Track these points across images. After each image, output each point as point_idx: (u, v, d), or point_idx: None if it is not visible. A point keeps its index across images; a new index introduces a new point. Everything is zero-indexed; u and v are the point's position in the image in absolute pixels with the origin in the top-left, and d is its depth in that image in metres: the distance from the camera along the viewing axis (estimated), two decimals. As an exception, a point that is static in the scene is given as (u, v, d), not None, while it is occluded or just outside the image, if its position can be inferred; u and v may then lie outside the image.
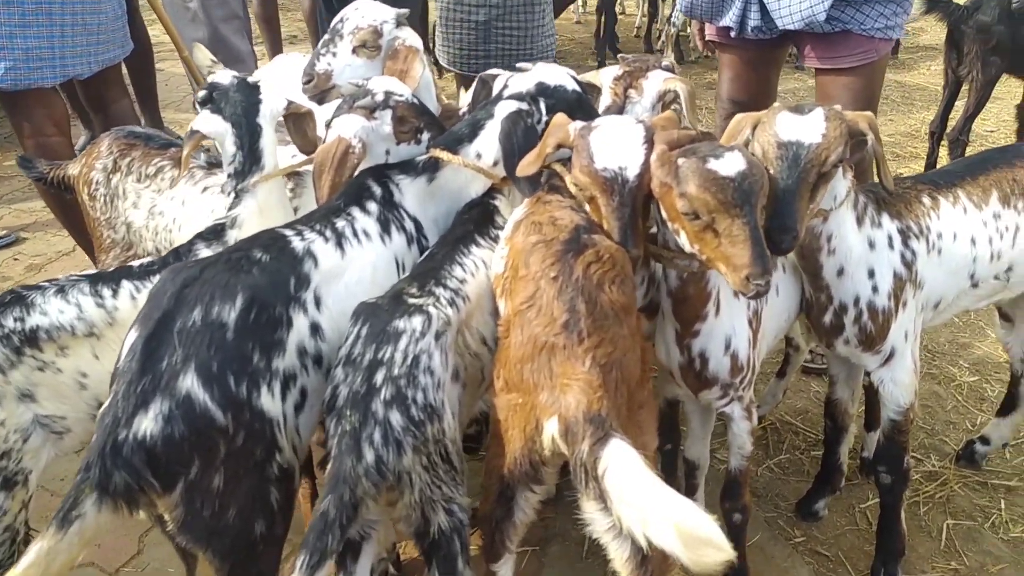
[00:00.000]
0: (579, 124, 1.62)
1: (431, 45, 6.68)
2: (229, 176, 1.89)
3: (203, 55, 3.06)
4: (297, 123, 1.96)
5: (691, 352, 1.77)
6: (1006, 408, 2.58)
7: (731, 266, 1.43)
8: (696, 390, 1.85)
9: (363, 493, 1.31)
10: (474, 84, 2.08)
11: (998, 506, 2.51)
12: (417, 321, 1.45)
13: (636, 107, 2.18)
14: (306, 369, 1.51)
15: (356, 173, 1.83)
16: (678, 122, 1.66)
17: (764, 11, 2.56)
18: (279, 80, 2.73)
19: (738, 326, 1.76)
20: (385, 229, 1.76)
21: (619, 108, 2.18)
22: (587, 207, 1.60)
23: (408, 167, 1.88)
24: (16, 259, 3.97)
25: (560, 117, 1.70)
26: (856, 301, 1.89)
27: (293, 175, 2.09)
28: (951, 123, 4.60)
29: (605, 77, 2.25)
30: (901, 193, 1.96)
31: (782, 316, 2.00)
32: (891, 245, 1.90)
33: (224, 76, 1.92)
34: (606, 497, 1.18)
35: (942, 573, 2.28)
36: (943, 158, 4.65)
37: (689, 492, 2.18)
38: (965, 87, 4.40)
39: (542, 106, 1.83)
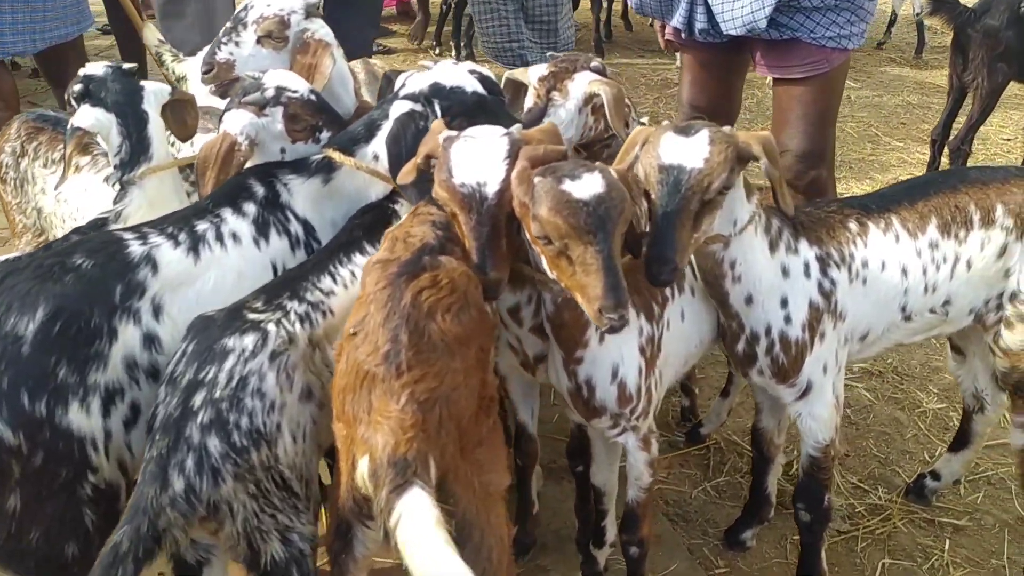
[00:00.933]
0: (449, 134, 1.50)
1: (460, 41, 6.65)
2: (115, 168, 1.82)
3: (151, 35, 3.00)
4: (176, 110, 1.87)
5: (577, 379, 1.66)
6: (958, 444, 2.43)
7: (584, 297, 1.32)
8: (587, 418, 1.74)
9: (167, 524, 1.23)
10: (381, 81, 1.97)
11: (941, 546, 2.37)
12: (249, 339, 1.36)
13: (560, 110, 2.06)
14: (137, 383, 1.43)
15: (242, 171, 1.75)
16: (558, 135, 1.54)
17: (711, 14, 2.41)
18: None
19: (626, 354, 1.64)
20: (262, 232, 1.68)
21: (541, 110, 2.06)
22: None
23: (300, 167, 1.79)
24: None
25: (437, 124, 1.59)
26: (768, 331, 1.76)
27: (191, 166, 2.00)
28: (955, 130, 4.38)
29: (532, 74, 2.13)
30: (824, 217, 1.81)
31: (691, 341, 1.88)
32: (807, 273, 1.76)
33: (97, 67, 1.83)
34: (400, 550, 1.09)
35: (867, 616, 2.16)
36: (945, 166, 4.44)
37: (598, 518, 2.08)
38: (970, 94, 4.17)
39: (436, 108, 1.72)
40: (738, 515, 2.39)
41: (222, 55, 2.00)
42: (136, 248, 1.51)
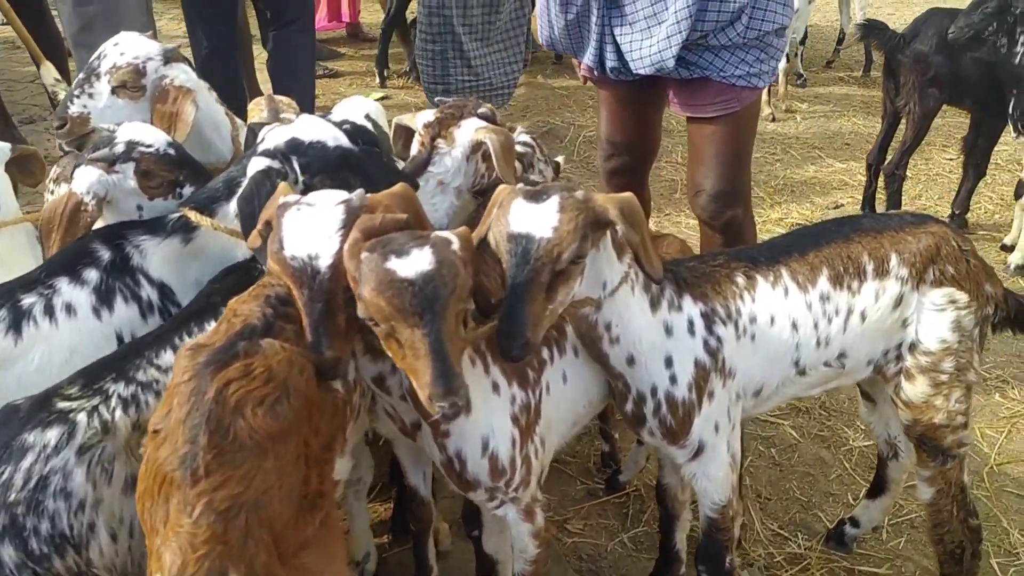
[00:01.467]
0: (287, 200, 1.41)
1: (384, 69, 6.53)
2: None
3: (48, 73, 2.88)
4: (21, 164, 1.77)
5: (447, 452, 1.56)
6: (876, 491, 2.37)
7: (416, 382, 1.22)
8: (463, 490, 1.64)
9: None
10: (246, 134, 1.87)
11: (859, 599, 2.31)
12: (52, 434, 1.26)
13: (445, 158, 1.98)
14: None
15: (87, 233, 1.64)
16: (410, 198, 1.45)
17: (620, 53, 2.35)
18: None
19: (497, 425, 1.55)
20: (104, 301, 1.57)
21: (425, 159, 1.98)
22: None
23: (155, 227, 1.68)
24: None
25: (282, 188, 1.49)
26: (654, 391, 1.68)
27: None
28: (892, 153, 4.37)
29: (419, 120, 2.05)
30: (710, 272, 1.74)
31: (578, 403, 1.79)
32: (691, 331, 1.68)
33: None
34: None
35: (779, 676, 2.08)
36: (881, 191, 4.43)
37: (492, 585, 1.98)
38: (903, 119, 4.16)
39: (295, 164, 1.63)
40: (652, 567, 2.30)
41: (75, 108, 1.90)
42: None
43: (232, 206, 1.67)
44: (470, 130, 1.95)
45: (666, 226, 4.53)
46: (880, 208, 4.49)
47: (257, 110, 2.80)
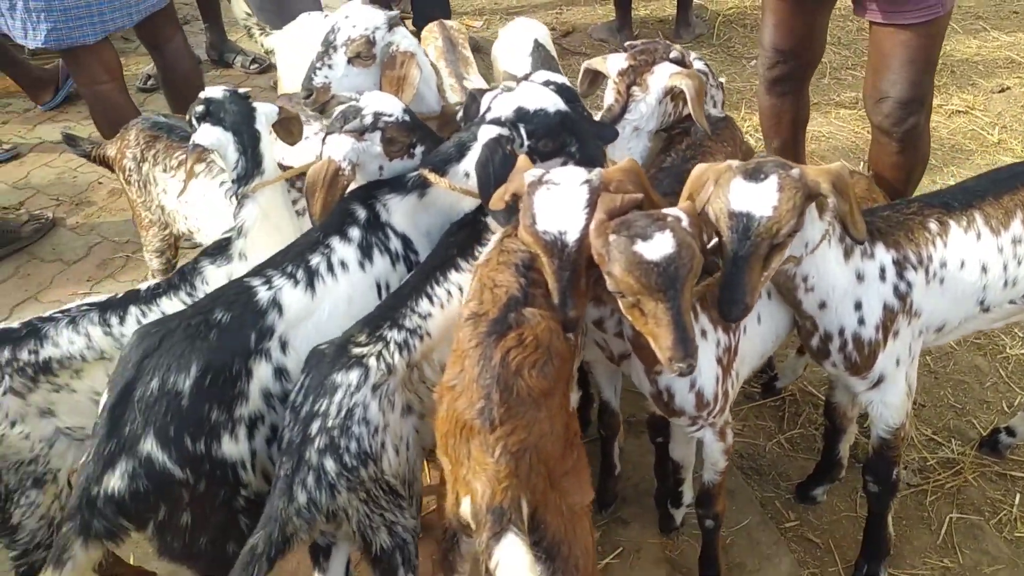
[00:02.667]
0: (532, 175, 1.60)
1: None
2: (233, 182, 1.99)
3: (239, 7, 3.10)
4: (284, 125, 2.02)
5: (658, 385, 1.80)
6: (1036, 404, 2.48)
7: (656, 346, 1.44)
8: (667, 416, 1.89)
9: (294, 530, 1.49)
10: (466, 100, 2.04)
11: (1011, 501, 2.47)
12: (354, 375, 1.56)
13: (640, 104, 2.11)
14: (273, 408, 1.67)
15: (347, 192, 1.90)
16: (636, 172, 1.61)
17: None
18: (300, 41, 2.77)
19: (704, 366, 1.76)
20: (366, 254, 1.84)
21: (622, 106, 2.10)
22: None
23: (398, 185, 1.91)
24: (100, 183, 4.26)
25: (522, 162, 1.68)
26: (841, 332, 1.85)
27: (300, 177, 2.16)
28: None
29: (612, 67, 2.16)
30: (903, 220, 1.84)
31: (768, 339, 1.98)
32: (883, 277, 1.82)
33: (216, 91, 1.98)
34: None
35: (932, 570, 2.31)
36: None
37: (676, 484, 2.27)
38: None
39: (522, 131, 1.81)
40: (810, 468, 2.53)
41: (318, 80, 2.13)
42: (263, 294, 1.71)
43: (462, 166, 1.88)
44: (664, 76, 2.05)
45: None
46: (1051, 94, 4.25)
47: (432, 37, 2.95)
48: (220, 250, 1.97)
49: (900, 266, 1.82)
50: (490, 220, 1.90)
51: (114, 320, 1.81)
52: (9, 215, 3.89)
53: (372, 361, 1.60)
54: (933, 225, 1.85)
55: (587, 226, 1.52)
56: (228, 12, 5.60)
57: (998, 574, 2.29)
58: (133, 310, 1.84)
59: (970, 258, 1.86)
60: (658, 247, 1.42)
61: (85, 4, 2.89)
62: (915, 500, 2.50)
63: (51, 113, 4.90)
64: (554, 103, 1.82)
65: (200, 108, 1.95)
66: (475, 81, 2.76)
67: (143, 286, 1.92)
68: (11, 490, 1.78)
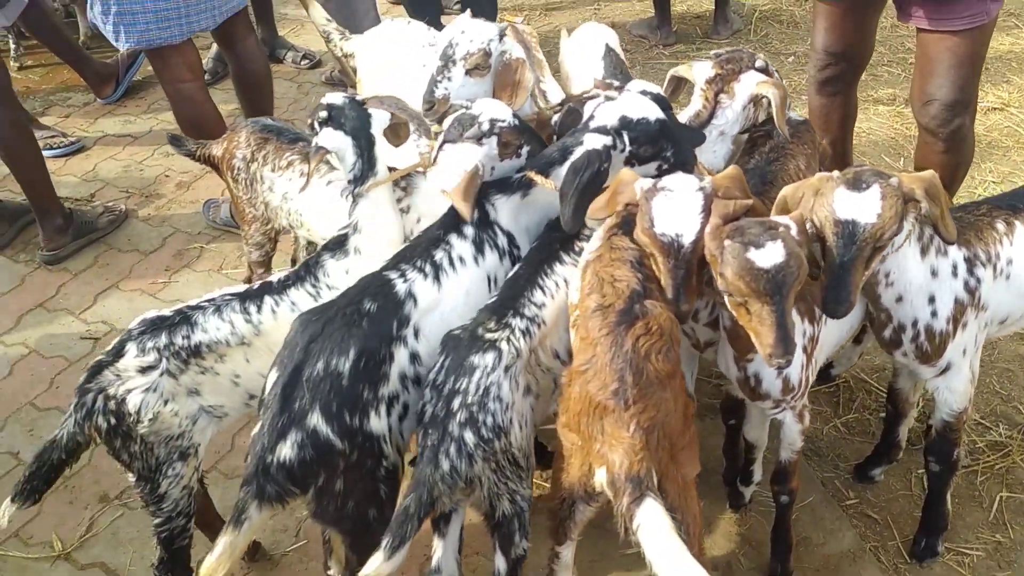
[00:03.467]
0: (645, 184, 1.77)
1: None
2: (349, 182, 2.15)
3: (319, 13, 3.27)
4: (395, 130, 2.19)
5: (747, 372, 1.97)
6: (1082, 390, 2.64)
7: (758, 342, 1.61)
8: (752, 399, 2.06)
9: (439, 494, 1.68)
10: (562, 112, 2.21)
11: (1058, 482, 2.64)
12: (489, 357, 1.75)
13: (727, 111, 2.27)
14: (407, 389, 1.86)
15: None
16: (741, 179, 1.78)
17: None
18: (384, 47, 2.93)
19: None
20: (479, 250, 2.01)
21: (710, 113, 2.26)
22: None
23: (504, 186, 2.08)
24: (167, 176, 4.44)
25: (627, 174, 1.85)
26: (915, 323, 2.01)
27: (404, 177, 2.33)
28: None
29: (698, 75, 2.32)
30: (973, 221, 2.00)
31: (843, 329, 2.15)
32: (955, 273, 1.98)
33: (337, 97, 2.15)
34: (640, 544, 1.49)
35: (985, 544, 2.47)
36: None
37: (748, 463, 2.44)
38: None
39: (625, 139, 1.97)
40: (866, 449, 2.70)
41: (439, 92, 2.29)
42: (400, 286, 1.90)
43: (563, 169, 2.04)
44: (751, 84, 2.22)
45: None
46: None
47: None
48: (338, 245, 2.14)
49: (971, 263, 1.99)
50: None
51: (252, 309, 2.00)
52: (84, 207, 4.08)
53: (504, 345, 1.79)
54: (1000, 225, 2.01)
55: (702, 229, 1.68)
56: (280, 7, 5.82)
57: (1047, 548, 2.46)
58: (268, 300, 2.02)
59: (1034, 256, 2.02)
60: (769, 255, 1.57)
61: (174, 6, 3.06)
62: (966, 480, 2.66)
63: (111, 107, 5.08)
64: (654, 112, 1.99)
65: (323, 113, 2.11)
66: (550, 84, 2.91)
67: (274, 278, 2.09)
68: (160, 462, 1.96)
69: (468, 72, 2.29)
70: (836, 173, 1.74)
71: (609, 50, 2.94)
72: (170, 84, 3.36)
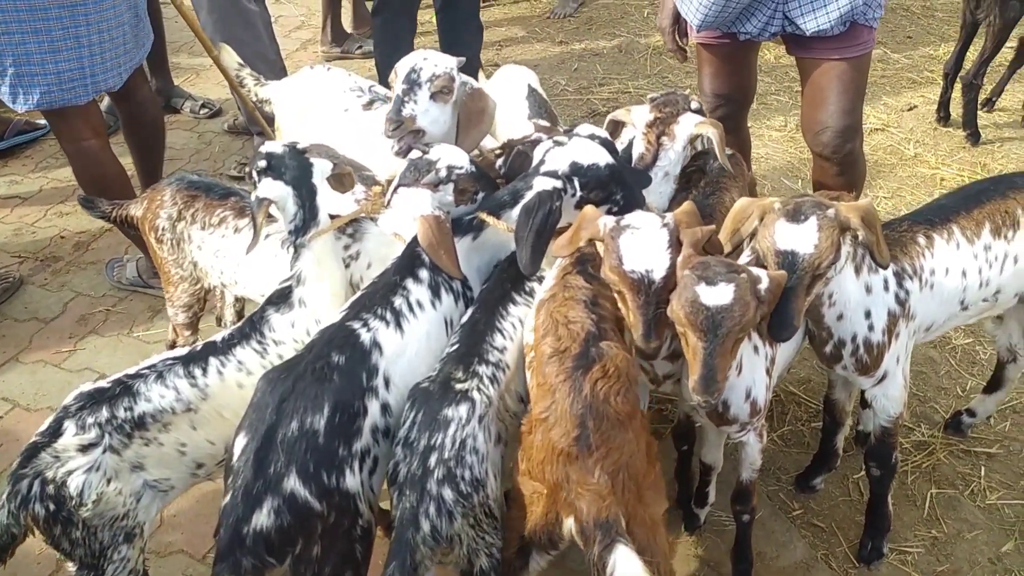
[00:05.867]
0: (609, 221, 1.80)
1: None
2: (290, 233, 2.08)
3: (231, 58, 3.18)
4: (339, 179, 2.15)
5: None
6: (991, 387, 2.83)
7: (690, 372, 1.66)
8: (718, 425, 2.10)
9: (421, 557, 1.63)
10: (511, 154, 2.23)
11: (978, 474, 2.81)
12: (463, 409, 1.72)
13: (670, 152, 2.35)
14: (377, 443, 1.80)
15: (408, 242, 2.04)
16: (696, 213, 1.84)
17: (787, 19, 2.58)
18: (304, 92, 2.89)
19: (758, 378, 1.99)
20: (435, 293, 1.99)
21: (653, 156, 2.33)
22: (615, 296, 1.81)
23: (456, 227, 2.07)
24: (63, 237, 4.18)
25: (591, 211, 1.88)
26: (854, 338, 2.11)
27: (351, 223, 2.28)
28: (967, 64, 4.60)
29: (637, 120, 2.39)
30: (897, 237, 2.14)
31: (791, 349, 2.24)
32: (887, 288, 2.10)
33: (276, 146, 2.09)
34: None
35: (923, 541, 2.60)
36: (956, 100, 4.68)
37: (703, 485, 2.49)
38: (982, 29, 4.38)
39: (576, 184, 2.01)
40: (803, 460, 2.81)
41: (406, 111, 2.30)
42: (365, 336, 1.84)
43: (514, 212, 2.05)
44: (690, 125, 2.31)
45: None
46: (955, 112, 4.75)
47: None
48: (282, 298, 2.07)
49: (899, 277, 2.12)
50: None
51: (197, 372, 1.90)
52: (-30, 276, 3.78)
53: (476, 394, 1.76)
54: (921, 239, 2.16)
55: (671, 265, 1.72)
56: (173, 56, 5.62)
57: (978, 538, 2.60)
58: (213, 361, 1.93)
59: (953, 265, 2.17)
60: (716, 295, 1.61)
61: (78, 67, 2.90)
62: (898, 481, 2.78)
63: (-7, 168, 4.76)
64: (604, 157, 2.03)
65: (262, 163, 2.05)
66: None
67: (218, 337, 2.00)
68: (105, 547, 1.82)
69: (433, 96, 2.30)
70: (778, 204, 1.82)
71: (532, 90, 3.00)
72: (71, 143, 3.17)
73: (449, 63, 2.36)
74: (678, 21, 2.85)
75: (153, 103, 3.52)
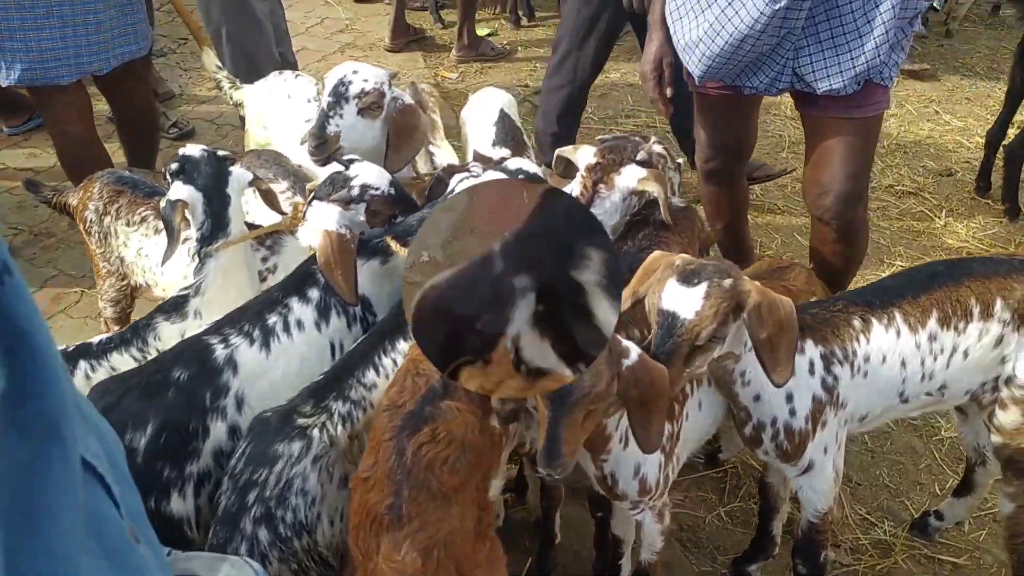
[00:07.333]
0: None
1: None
2: (196, 241, 2.02)
3: (210, 60, 3.17)
4: (265, 196, 2.07)
5: (603, 471, 1.86)
6: (961, 490, 2.57)
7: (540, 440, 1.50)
8: (611, 498, 1.94)
9: None
10: (432, 181, 2.13)
11: (936, 585, 2.55)
12: (296, 446, 1.60)
13: (606, 202, 2.20)
14: (221, 467, 1.70)
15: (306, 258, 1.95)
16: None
17: (796, 75, 2.39)
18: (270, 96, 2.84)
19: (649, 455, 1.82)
20: (323, 315, 1.89)
21: (588, 201, 2.19)
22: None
23: (362, 249, 1.97)
24: (65, 215, 4.24)
25: None
26: (773, 422, 1.92)
27: (271, 235, 2.20)
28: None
29: (580, 159, 2.25)
30: (830, 317, 1.94)
31: (706, 424, 2.06)
32: (812, 371, 1.90)
33: (194, 149, 2.02)
34: None
35: (862, 658, 2.37)
36: (998, 169, 4.37)
37: (615, 558, 2.31)
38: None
39: None
40: (746, 541, 2.58)
41: (331, 128, 2.21)
42: (220, 352, 1.76)
43: None
44: (632, 179, 2.15)
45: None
46: (996, 181, 4.43)
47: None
48: (176, 307, 2.00)
49: (827, 360, 1.91)
50: None
51: None
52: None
53: (315, 432, 1.64)
54: (857, 322, 1.95)
55: None
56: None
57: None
58: (82, 364, 1.86)
59: (891, 353, 1.95)
60: None
61: (63, 46, 2.92)
62: (846, 582, 2.56)
63: (16, 139, 4.89)
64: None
65: (175, 166, 1.99)
66: (442, 146, 2.84)
67: (95, 340, 1.93)
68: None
69: (361, 112, 2.21)
70: (680, 262, 1.66)
71: (503, 116, 2.88)
72: (55, 126, 3.21)
73: (381, 77, 2.26)
74: (661, 67, 2.68)
75: (142, 96, 3.52)
